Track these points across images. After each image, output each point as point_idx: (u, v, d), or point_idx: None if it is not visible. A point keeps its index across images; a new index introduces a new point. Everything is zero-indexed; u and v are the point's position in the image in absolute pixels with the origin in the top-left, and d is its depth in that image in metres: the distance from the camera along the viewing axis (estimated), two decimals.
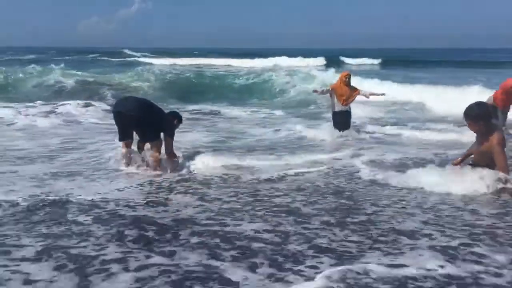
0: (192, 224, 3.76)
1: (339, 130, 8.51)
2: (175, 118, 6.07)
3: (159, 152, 5.78)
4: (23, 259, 3.03)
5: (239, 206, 4.28)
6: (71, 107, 12.51)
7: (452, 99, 12.43)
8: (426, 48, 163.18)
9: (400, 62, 44.92)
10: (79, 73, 19.90)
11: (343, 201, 4.42)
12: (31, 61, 20.75)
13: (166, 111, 6.14)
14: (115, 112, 5.81)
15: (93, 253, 3.13)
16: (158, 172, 5.58)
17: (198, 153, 6.31)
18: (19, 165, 5.83)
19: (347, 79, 8.69)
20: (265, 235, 3.48)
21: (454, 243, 3.30)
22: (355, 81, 10.19)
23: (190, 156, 6.10)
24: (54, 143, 7.67)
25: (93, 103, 13.47)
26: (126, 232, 3.55)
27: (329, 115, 9.18)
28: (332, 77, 17.61)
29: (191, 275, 2.81)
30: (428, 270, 2.85)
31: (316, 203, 4.36)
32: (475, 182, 4.57)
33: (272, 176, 5.38)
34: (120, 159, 5.88)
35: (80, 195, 4.54)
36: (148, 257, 3.07)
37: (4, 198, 4.31)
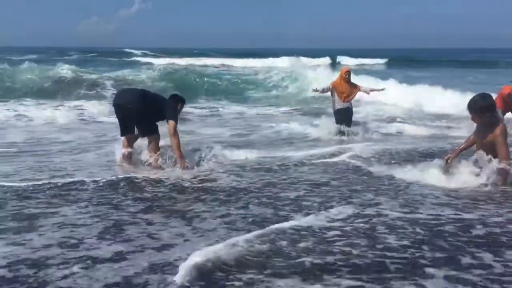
0: (247, 192, 5.04)
1: (342, 127, 9.01)
2: (178, 102, 6.35)
3: (158, 149, 6.21)
4: (137, 212, 4.31)
5: (277, 181, 5.56)
6: (78, 103, 13.72)
7: (449, 98, 13.90)
8: (426, 48, 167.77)
9: (402, 63, 47.12)
10: (79, 68, 21.11)
11: (364, 177, 5.71)
12: (30, 61, 21.84)
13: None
14: (115, 105, 6.20)
15: (186, 208, 4.43)
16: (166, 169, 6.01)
17: (226, 145, 7.49)
18: (77, 154, 7.01)
19: (347, 76, 9.12)
20: (309, 198, 4.80)
21: (461, 201, 4.64)
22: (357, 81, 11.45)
23: (221, 147, 7.20)
24: (89, 136, 8.89)
25: (96, 101, 14.64)
26: (202, 196, 4.84)
27: (330, 110, 9.78)
28: (324, 75, 18.92)
29: (266, 218, 4.11)
30: (439, 215, 4.18)
31: (341, 179, 5.67)
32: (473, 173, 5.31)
33: (298, 162, 6.64)
34: (120, 157, 6.33)
35: (143, 174, 5.79)
36: (227, 209, 4.38)
37: (87, 179, 5.48)
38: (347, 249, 3.46)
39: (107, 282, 2.93)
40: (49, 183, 5.25)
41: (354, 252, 3.40)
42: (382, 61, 49.08)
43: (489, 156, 5.14)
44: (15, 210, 4.32)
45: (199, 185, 5.37)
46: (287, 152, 7.39)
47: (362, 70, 24.53)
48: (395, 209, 4.35)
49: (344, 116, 9.14)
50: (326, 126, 9.41)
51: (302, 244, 3.54)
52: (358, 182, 5.45)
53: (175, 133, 5.98)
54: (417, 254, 3.33)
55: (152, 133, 6.20)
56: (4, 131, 9.54)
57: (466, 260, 3.27)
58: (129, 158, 6.31)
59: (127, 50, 68.51)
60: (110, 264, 3.20)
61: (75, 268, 3.12)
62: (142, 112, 6.00)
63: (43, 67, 20.39)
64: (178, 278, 2.96)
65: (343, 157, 6.97)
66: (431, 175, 5.50)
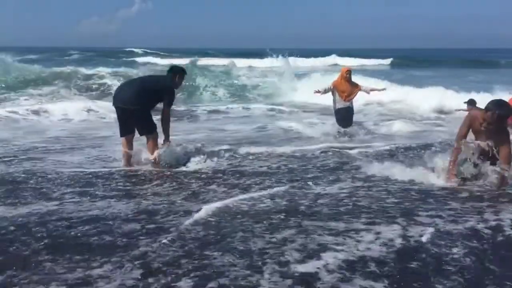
0: (278, 172, 6.84)
1: (342, 127, 9.92)
2: (177, 73, 6.91)
3: (156, 146, 6.85)
4: (200, 186, 6.12)
5: (297, 167, 7.34)
6: (84, 103, 15.30)
7: (449, 98, 15.76)
8: (426, 49, 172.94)
9: (404, 63, 49.73)
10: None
11: (369, 165, 7.46)
12: (30, 61, 23.61)
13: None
14: (115, 106, 6.73)
15: (236, 182, 6.28)
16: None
17: (250, 141, 9.30)
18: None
19: (347, 75, 9.79)
20: (325, 176, 6.64)
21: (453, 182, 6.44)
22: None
23: (247, 143, 9.03)
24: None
25: (98, 101, 16.31)
26: (243, 176, 6.65)
27: (331, 108, 10.45)
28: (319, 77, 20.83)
29: (300, 190, 5.97)
30: (431, 185, 6.02)
31: (348, 164, 7.49)
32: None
33: (312, 153, 8.43)
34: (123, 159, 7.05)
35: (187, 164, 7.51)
36: (268, 183, 6.24)
37: (145, 167, 7.24)
38: (355, 203, 5.31)
39: (201, 219, 4.77)
40: (122, 170, 6.95)
41: (361, 203, 5.28)
42: (386, 62, 51.67)
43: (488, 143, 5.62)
44: (111, 186, 6.06)
45: (235, 169, 7.09)
46: (300, 146, 9.05)
47: (364, 71, 26.56)
48: (394, 184, 6.18)
49: (344, 116, 9.98)
50: (326, 125, 10.63)
51: (320, 201, 5.43)
52: (364, 168, 7.16)
53: (167, 120, 6.79)
54: (411, 206, 5.20)
55: (150, 132, 6.83)
56: (37, 128, 11.37)
57: (447, 207, 5.16)
58: (128, 159, 6.96)
59: (127, 49, 70.27)
60: (198, 214, 5.00)
61: (174, 216, 4.90)
62: (142, 111, 6.63)
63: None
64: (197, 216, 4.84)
65: (349, 152, 8.65)
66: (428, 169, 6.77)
